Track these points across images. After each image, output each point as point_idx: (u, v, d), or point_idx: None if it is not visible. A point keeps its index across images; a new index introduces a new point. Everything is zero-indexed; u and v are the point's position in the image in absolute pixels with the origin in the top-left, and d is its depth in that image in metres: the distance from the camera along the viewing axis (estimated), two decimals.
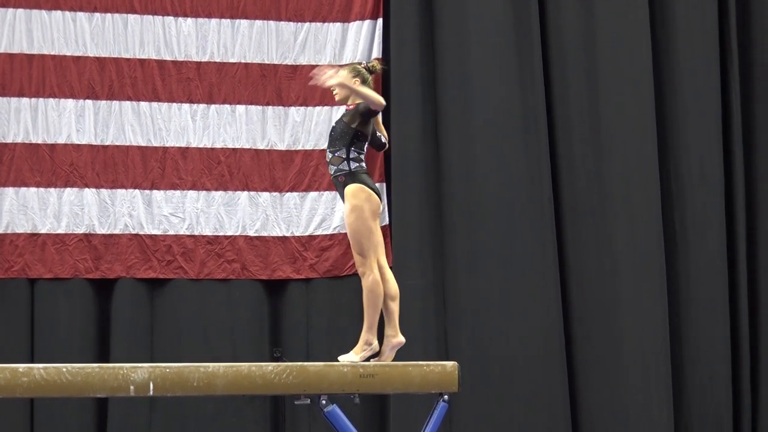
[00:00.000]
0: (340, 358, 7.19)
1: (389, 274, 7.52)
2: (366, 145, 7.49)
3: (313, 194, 10.88)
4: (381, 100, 7.31)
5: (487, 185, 10.91)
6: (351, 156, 7.38)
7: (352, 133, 7.37)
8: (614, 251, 10.99)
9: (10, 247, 10.43)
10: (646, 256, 10.97)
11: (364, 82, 7.51)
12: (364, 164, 7.46)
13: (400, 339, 7.46)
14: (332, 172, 7.43)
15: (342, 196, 7.41)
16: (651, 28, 11.28)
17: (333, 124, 7.60)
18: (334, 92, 7.60)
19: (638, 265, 10.96)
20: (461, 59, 11.04)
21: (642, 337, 10.87)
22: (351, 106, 7.49)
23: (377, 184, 10.58)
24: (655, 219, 11.03)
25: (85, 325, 10.46)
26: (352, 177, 7.36)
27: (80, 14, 10.78)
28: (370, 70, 7.64)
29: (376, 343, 7.38)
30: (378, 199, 7.40)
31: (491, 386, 10.63)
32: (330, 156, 7.42)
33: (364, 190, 7.33)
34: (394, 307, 7.50)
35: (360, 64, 7.77)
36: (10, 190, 10.49)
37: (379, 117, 7.62)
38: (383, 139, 7.70)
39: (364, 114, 7.37)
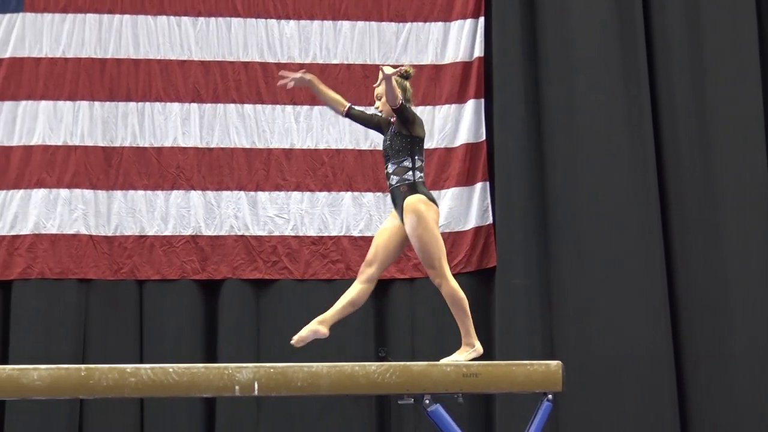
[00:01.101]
0: (442, 360, 7.15)
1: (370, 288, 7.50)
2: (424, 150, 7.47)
3: None
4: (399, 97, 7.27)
5: (591, 183, 10.80)
6: (416, 165, 7.33)
7: (411, 140, 7.33)
8: (723, 249, 10.81)
9: (119, 250, 10.60)
10: (756, 254, 10.77)
11: (404, 90, 7.45)
12: (423, 174, 7.40)
13: (326, 332, 7.46)
14: (394, 183, 7.35)
15: (400, 207, 7.36)
16: (758, 22, 11.07)
17: (387, 142, 7.48)
18: (378, 108, 7.57)
19: (748, 264, 10.76)
20: (564, 57, 10.95)
21: (752, 337, 10.67)
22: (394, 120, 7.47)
23: (480, 183, 10.66)
24: (765, 217, 10.82)
25: (193, 326, 10.59)
26: (413, 188, 7.31)
27: (185, 19, 10.93)
28: (405, 76, 7.53)
29: (478, 344, 7.37)
30: (437, 207, 7.40)
31: (598, 386, 10.51)
32: (393, 167, 7.35)
33: (425, 201, 7.29)
34: (349, 310, 7.51)
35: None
36: (118, 193, 10.66)
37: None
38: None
39: (403, 119, 7.31)
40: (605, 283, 10.67)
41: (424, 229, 7.24)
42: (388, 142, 7.44)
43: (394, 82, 7.25)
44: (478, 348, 7.31)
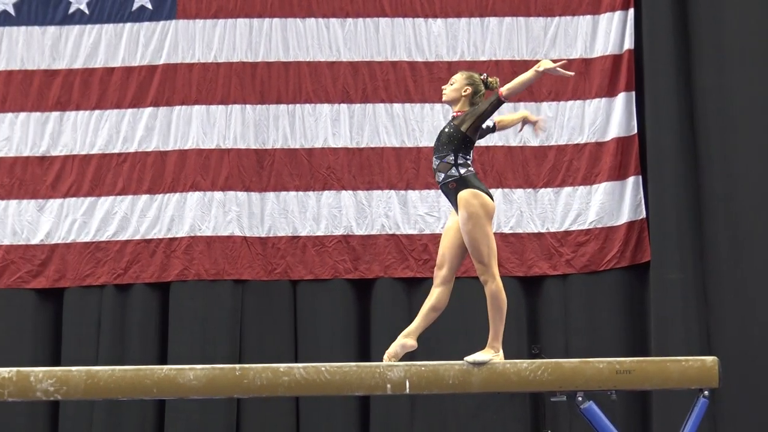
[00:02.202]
0: (466, 358, 6.93)
1: (449, 289, 7.36)
2: (473, 151, 7.20)
3: (567, 189, 10.79)
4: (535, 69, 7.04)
5: (747, 175, 10.55)
6: (459, 162, 7.07)
7: (461, 137, 7.07)
8: None
9: (272, 250, 10.74)
10: None
11: (475, 94, 7.24)
12: (472, 168, 7.16)
13: (414, 343, 7.27)
14: (440, 180, 7.14)
15: (454, 203, 7.13)
16: None
17: (442, 129, 7.30)
18: (444, 90, 7.34)
19: None
20: (717, 47, 10.71)
21: None
22: (459, 113, 7.22)
23: (631, 178, 10.50)
24: None
25: (345, 324, 10.67)
26: (463, 182, 7.07)
27: (333, 20, 11.02)
28: (487, 85, 7.32)
29: (502, 352, 7.11)
30: (492, 202, 7.12)
31: (757, 382, 10.26)
32: (437, 162, 7.14)
33: (478, 196, 7.04)
34: (433, 317, 7.38)
35: (480, 75, 7.37)
36: (271, 195, 10.80)
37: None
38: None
39: (478, 120, 7.07)
40: (764, 275, 10.41)
41: (474, 224, 7.01)
42: (441, 130, 7.26)
43: (528, 77, 7.07)
44: (501, 355, 7.04)
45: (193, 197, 10.76)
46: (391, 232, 10.76)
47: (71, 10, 11.04)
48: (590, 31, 10.97)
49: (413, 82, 10.93)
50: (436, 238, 10.60)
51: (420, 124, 10.89)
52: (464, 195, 7.04)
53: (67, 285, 10.69)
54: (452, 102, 7.28)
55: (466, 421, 10.49)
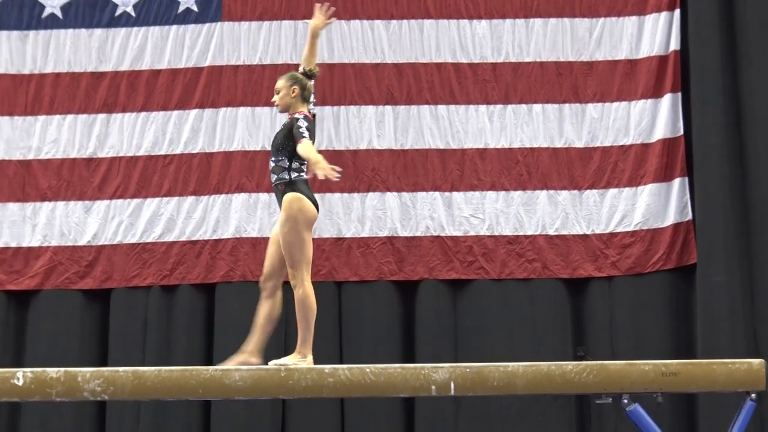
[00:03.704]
0: (271, 362, 6.96)
1: (279, 297, 7.36)
2: None
3: (612, 191, 10.75)
4: (315, 161, 6.90)
5: None
6: (293, 166, 7.16)
7: (293, 145, 7.13)
8: None
9: (317, 252, 10.71)
10: None
11: (304, 88, 7.33)
12: (304, 174, 7.20)
13: (259, 361, 7.21)
14: (273, 180, 7.21)
15: (280, 202, 7.19)
16: None
17: (277, 131, 7.34)
18: (275, 102, 7.38)
19: None
20: (764, 46, 10.64)
21: None
22: (293, 113, 7.30)
23: (677, 179, 10.45)
24: None
25: (390, 326, 10.67)
26: (291, 186, 7.14)
27: (377, 22, 11.04)
28: (309, 75, 7.42)
29: (311, 358, 7.14)
30: (315, 209, 7.17)
31: None
32: (272, 165, 7.20)
33: (300, 200, 7.10)
34: (269, 328, 7.39)
35: (298, 70, 7.49)
36: (316, 196, 10.78)
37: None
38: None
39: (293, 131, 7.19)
40: None
41: (290, 229, 7.06)
42: (277, 132, 7.32)
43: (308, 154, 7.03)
44: (310, 360, 7.07)
45: (239, 199, 10.81)
46: (435, 234, 10.76)
47: (118, 13, 11.12)
48: (636, 32, 10.92)
49: (458, 83, 10.93)
50: (480, 240, 10.64)
51: (464, 126, 10.89)
52: (287, 198, 7.12)
53: (114, 286, 10.76)
54: (287, 108, 7.33)
55: (510, 423, 10.47)
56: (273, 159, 7.24)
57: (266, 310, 7.36)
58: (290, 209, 7.10)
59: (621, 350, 10.34)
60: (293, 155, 7.15)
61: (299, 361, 7.02)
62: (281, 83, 7.37)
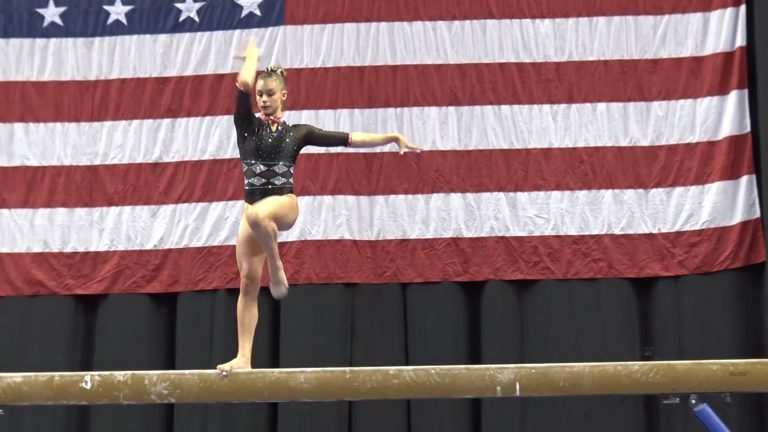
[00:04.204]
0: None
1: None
2: None
3: (679, 189, 10.65)
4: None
5: None
6: (293, 171, 7.19)
7: (299, 147, 7.17)
8: None
9: (382, 253, 10.77)
10: None
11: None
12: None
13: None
14: (279, 183, 7.08)
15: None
16: None
17: (273, 140, 7.11)
18: (266, 103, 7.17)
19: None
20: None
21: None
22: (281, 120, 7.20)
23: (745, 177, 10.37)
24: None
25: (455, 327, 10.65)
26: (290, 189, 7.14)
27: (440, 23, 11.02)
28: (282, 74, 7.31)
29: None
30: None
31: None
32: (284, 169, 7.09)
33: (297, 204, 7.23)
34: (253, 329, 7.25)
35: (274, 69, 7.28)
36: (380, 198, 10.83)
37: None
38: None
39: (319, 141, 7.30)
40: None
41: (289, 211, 7.12)
42: (279, 141, 7.12)
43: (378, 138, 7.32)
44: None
45: (303, 202, 10.83)
46: (500, 234, 10.72)
47: (181, 18, 11.20)
48: (701, 29, 10.82)
49: (521, 83, 10.89)
50: (545, 240, 10.60)
51: (528, 126, 10.84)
52: (293, 197, 7.16)
53: (181, 289, 10.83)
54: (275, 111, 7.20)
55: (577, 424, 10.42)
56: (284, 164, 7.10)
57: (252, 312, 7.25)
58: (296, 206, 7.20)
59: (689, 350, 10.23)
60: (295, 160, 7.21)
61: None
62: (275, 84, 7.20)
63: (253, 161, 7.09)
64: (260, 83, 7.18)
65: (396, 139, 7.30)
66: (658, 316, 10.59)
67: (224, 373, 6.75)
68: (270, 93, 7.18)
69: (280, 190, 7.09)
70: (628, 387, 6.67)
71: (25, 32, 11.31)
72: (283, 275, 7.18)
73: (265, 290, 10.59)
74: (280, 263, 7.17)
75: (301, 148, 7.19)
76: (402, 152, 7.34)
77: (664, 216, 10.64)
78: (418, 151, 7.26)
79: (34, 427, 10.68)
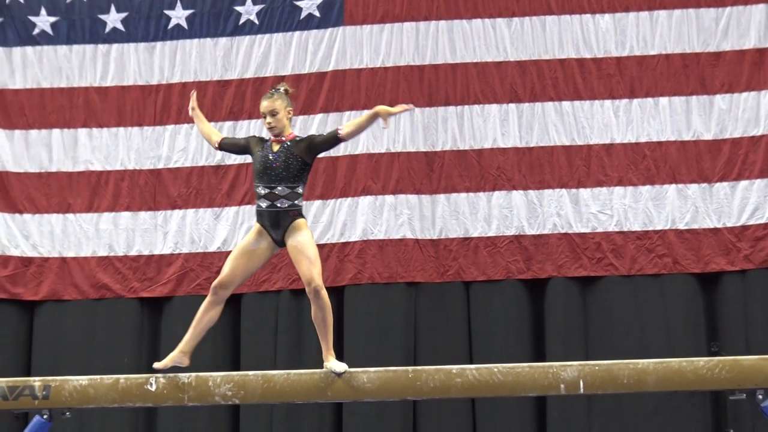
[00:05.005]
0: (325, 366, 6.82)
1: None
2: None
3: (744, 183, 10.53)
4: (376, 111, 6.96)
5: None
6: (303, 192, 7.09)
7: (308, 167, 7.06)
8: None
9: (444, 252, 10.75)
10: None
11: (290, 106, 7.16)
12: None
13: (188, 362, 7.09)
14: (284, 206, 6.99)
15: (284, 228, 6.98)
16: None
17: (273, 161, 7.03)
18: (270, 124, 7.09)
19: None
20: None
21: None
22: (291, 137, 7.09)
23: None
24: None
25: (519, 325, 10.62)
26: (301, 213, 7.04)
27: (499, 20, 10.99)
28: (287, 92, 7.23)
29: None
30: None
31: None
32: (287, 191, 6.99)
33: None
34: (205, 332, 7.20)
35: (280, 87, 7.22)
36: (441, 197, 10.82)
37: None
38: None
39: (319, 152, 7.10)
40: None
41: (314, 244, 7.01)
42: (278, 162, 7.03)
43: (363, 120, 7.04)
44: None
45: (365, 201, 10.86)
46: (563, 231, 10.67)
47: (241, 21, 11.26)
48: (764, 20, 10.71)
49: (582, 79, 10.83)
50: (609, 236, 10.53)
51: (590, 121, 10.78)
52: (304, 222, 7.05)
53: (245, 291, 10.88)
54: (282, 131, 7.12)
55: (644, 421, 10.34)
56: (288, 186, 7.02)
57: (211, 315, 7.19)
58: (310, 233, 7.08)
59: (756, 345, 10.13)
60: (305, 182, 7.13)
61: (343, 364, 6.85)
62: (278, 104, 7.12)
63: (257, 183, 7.09)
64: (263, 104, 7.15)
65: (377, 115, 7.05)
66: (724, 312, 10.49)
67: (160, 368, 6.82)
68: (273, 113, 7.11)
69: (286, 213, 7.02)
70: (694, 383, 6.61)
71: (87, 38, 11.44)
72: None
73: (332, 290, 10.71)
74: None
75: (307, 162, 7.06)
76: (386, 125, 7.02)
77: (728, 210, 10.53)
78: (410, 109, 7.08)
79: (102, 429, 10.78)
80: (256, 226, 7.09)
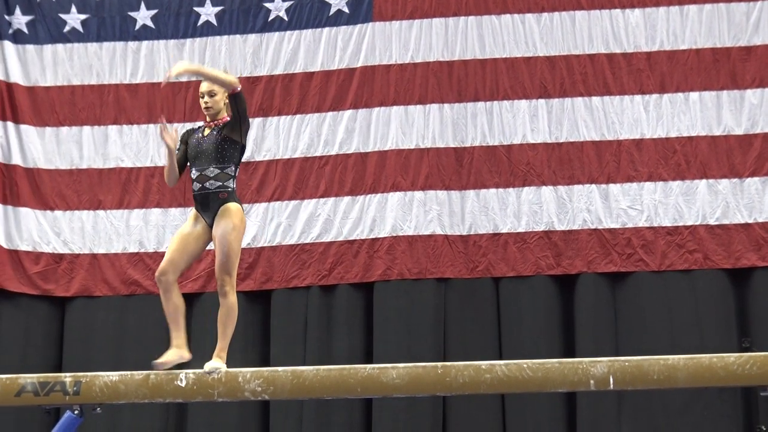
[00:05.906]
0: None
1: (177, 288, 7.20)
2: None
3: None
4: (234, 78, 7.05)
5: None
6: (235, 174, 7.08)
7: (240, 148, 7.08)
8: None
9: (474, 248, 10.74)
10: None
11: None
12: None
13: (189, 355, 7.14)
14: (212, 187, 7.02)
15: (213, 211, 7.01)
16: None
17: (205, 143, 7.08)
18: (207, 104, 7.14)
19: None
20: None
21: None
22: (223, 120, 7.11)
23: None
24: None
25: (549, 321, 10.59)
26: (232, 196, 7.05)
27: (528, 15, 10.97)
28: None
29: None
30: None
31: None
32: (216, 171, 7.01)
33: (242, 212, 7.08)
34: (183, 320, 7.21)
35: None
36: (471, 193, 10.81)
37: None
38: None
39: (234, 117, 7.07)
40: None
41: (235, 237, 6.98)
42: (207, 143, 7.07)
43: (212, 72, 7.12)
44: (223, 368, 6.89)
45: (394, 197, 10.86)
46: (593, 227, 10.65)
47: (271, 18, 11.28)
48: None
49: (611, 74, 10.80)
50: (639, 232, 10.49)
51: (620, 117, 10.75)
52: (234, 207, 7.05)
53: (275, 287, 10.91)
54: (218, 112, 7.17)
55: (674, 417, 10.30)
56: (217, 166, 7.06)
57: (173, 302, 7.20)
58: (239, 219, 7.08)
59: None
60: (237, 163, 7.15)
61: (221, 365, 6.89)
62: (211, 86, 7.18)
63: (191, 168, 7.14)
64: (203, 85, 7.20)
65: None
66: (755, 307, 10.43)
67: (161, 366, 6.85)
68: (212, 94, 7.18)
69: (215, 195, 7.05)
70: (724, 379, 6.57)
71: (117, 35, 11.48)
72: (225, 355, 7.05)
73: (353, 287, 10.74)
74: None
75: (236, 141, 7.08)
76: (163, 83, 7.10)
77: (760, 205, 10.48)
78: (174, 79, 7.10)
79: (133, 424, 10.83)
80: (192, 211, 7.16)
